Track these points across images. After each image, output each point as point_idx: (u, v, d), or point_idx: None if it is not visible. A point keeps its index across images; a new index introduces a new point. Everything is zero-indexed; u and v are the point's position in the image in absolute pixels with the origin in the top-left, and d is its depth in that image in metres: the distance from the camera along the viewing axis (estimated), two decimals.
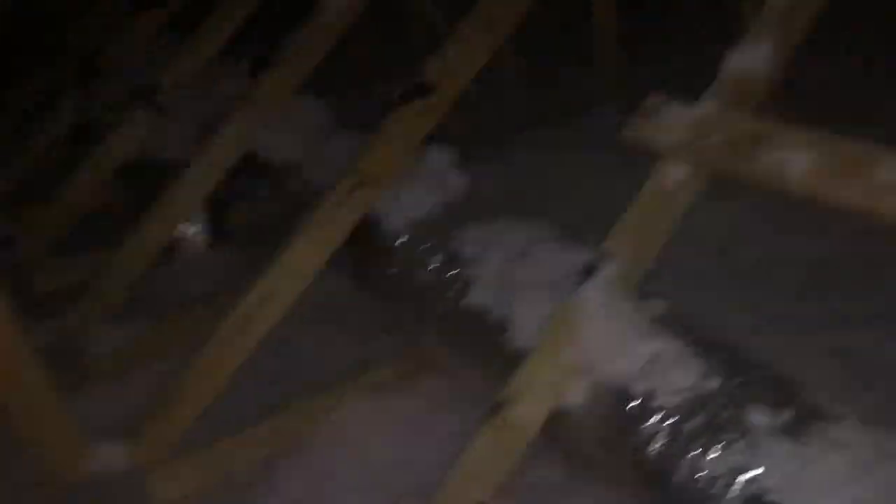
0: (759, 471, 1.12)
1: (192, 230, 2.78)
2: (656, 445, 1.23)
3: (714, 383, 1.25)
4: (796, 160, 1.23)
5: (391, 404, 1.95)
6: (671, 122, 1.39)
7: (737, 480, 1.13)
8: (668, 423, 1.23)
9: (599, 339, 1.34)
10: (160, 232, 2.26)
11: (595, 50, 3.18)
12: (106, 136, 2.77)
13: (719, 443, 1.17)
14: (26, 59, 4.13)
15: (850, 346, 1.89)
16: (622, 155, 2.88)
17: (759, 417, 1.17)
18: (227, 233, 2.87)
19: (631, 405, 1.28)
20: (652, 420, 1.25)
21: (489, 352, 1.59)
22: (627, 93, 3.24)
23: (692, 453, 1.19)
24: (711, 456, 1.17)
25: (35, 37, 4.32)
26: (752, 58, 1.41)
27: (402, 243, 1.84)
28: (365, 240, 1.94)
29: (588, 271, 1.36)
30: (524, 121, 3.47)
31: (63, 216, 2.67)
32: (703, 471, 1.17)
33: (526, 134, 3.30)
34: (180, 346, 2.27)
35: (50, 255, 2.72)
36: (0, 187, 3.18)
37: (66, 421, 1.59)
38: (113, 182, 2.81)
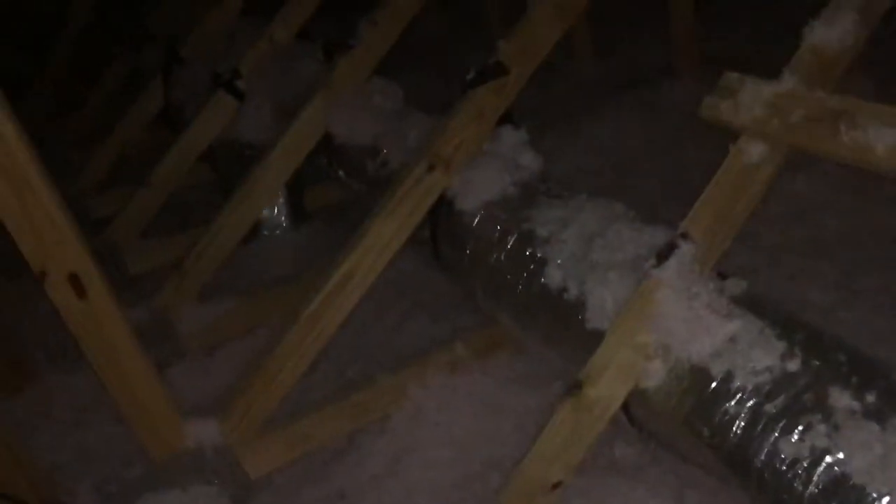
0: (841, 455, 1.11)
1: (272, 211, 2.87)
2: (735, 427, 1.23)
3: (795, 364, 1.23)
4: (882, 135, 1.19)
5: (468, 381, 1.99)
6: (750, 99, 1.36)
7: (818, 464, 1.12)
8: (747, 404, 1.23)
9: (678, 320, 1.34)
10: (246, 214, 2.34)
11: (669, 18, 3.10)
12: (190, 121, 2.89)
13: (800, 425, 1.16)
14: (111, 45, 4.30)
15: None
16: (695, 128, 2.86)
17: (841, 400, 1.16)
18: (305, 213, 2.95)
19: (710, 386, 1.28)
20: (731, 401, 1.25)
21: (564, 331, 1.61)
22: (700, 64, 3.21)
23: (772, 436, 1.18)
24: (792, 439, 1.16)
25: (119, 23, 4.50)
26: (833, 30, 1.37)
27: (477, 223, 1.86)
28: (440, 219, 1.97)
29: (667, 251, 1.36)
30: (593, 91, 3.43)
31: (152, 199, 2.78)
32: (783, 454, 1.16)
33: (596, 105, 3.26)
34: (265, 323, 2.39)
35: (140, 236, 2.85)
36: (91, 170, 3.35)
37: (161, 397, 1.68)
38: (197, 165, 2.92)
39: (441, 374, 2.00)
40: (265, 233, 2.85)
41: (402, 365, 2.07)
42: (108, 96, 4.00)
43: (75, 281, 1.50)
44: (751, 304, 1.38)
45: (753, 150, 1.36)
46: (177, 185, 2.83)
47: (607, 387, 1.37)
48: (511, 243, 1.77)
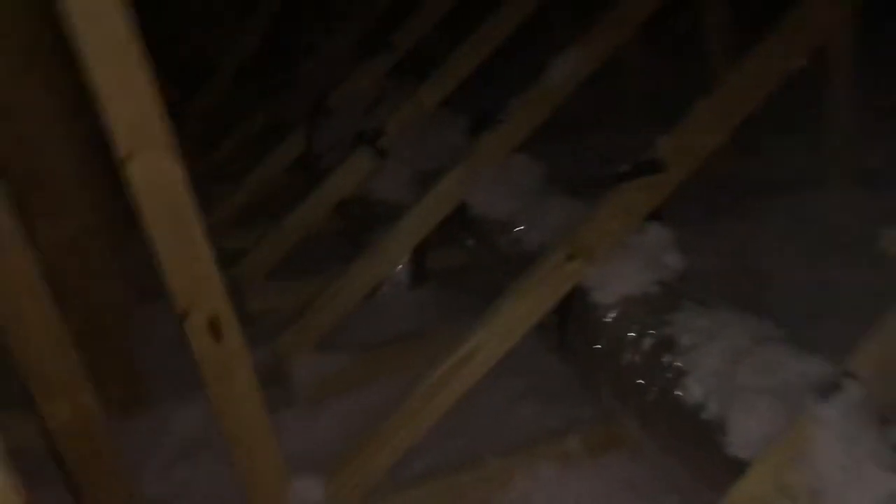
0: None
1: (395, 269, 2.89)
2: None
3: None
4: None
5: (579, 478, 1.90)
6: None
7: None
8: None
9: (835, 465, 1.23)
10: (374, 272, 2.37)
11: (825, 121, 2.97)
12: (328, 172, 2.97)
13: None
14: (260, 92, 4.52)
15: None
16: (840, 245, 2.72)
17: None
18: (427, 275, 2.96)
19: None
20: None
21: (696, 449, 1.52)
22: (853, 176, 3.06)
23: None
24: None
25: (268, 71, 4.73)
26: None
27: (613, 318, 1.80)
28: (572, 308, 1.92)
29: (831, 389, 1.26)
30: (733, 190, 3.32)
31: (282, 242, 2.86)
32: None
33: (734, 205, 3.15)
34: (376, 381, 2.38)
35: (266, 277, 2.93)
36: (228, 205, 3.48)
37: (274, 452, 1.67)
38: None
39: (551, 466, 1.92)
40: (384, 290, 2.87)
41: (508, 449, 2.00)
42: (250, 137, 4.17)
43: (215, 324, 1.53)
44: None
45: None
46: (309, 231, 2.90)
47: None
48: (648, 346, 1.69)
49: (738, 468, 1.37)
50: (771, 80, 1.82)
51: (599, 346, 1.81)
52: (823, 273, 2.57)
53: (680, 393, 1.56)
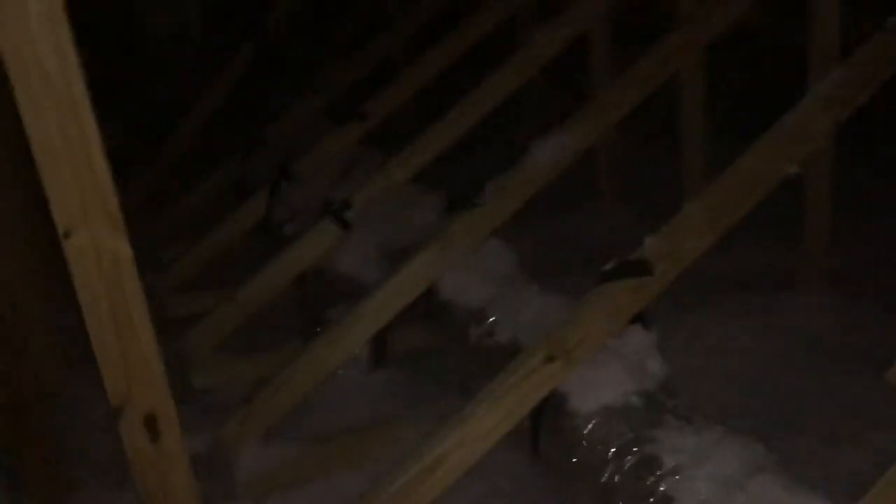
0: None
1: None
2: None
3: None
4: None
5: None
6: None
7: None
8: None
9: None
10: (332, 356, 2.20)
11: (803, 225, 2.93)
12: (289, 241, 2.82)
13: None
14: (227, 148, 4.39)
15: None
16: (810, 351, 2.64)
17: None
18: (387, 356, 2.80)
19: None
20: None
21: None
22: (825, 278, 3.01)
23: None
24: None
25: (237, 127, 4.61)
26: None
27: (591, 429, 1.67)
28: (547, 413, 1.78)
29: None
30: (703, 286, 3.25)
31: (235, 315, 2.69)
32: None
33: (703, 301, 3.08)
34: (331, 474, 2.19)
35: (215, 349, 2.74)
36: (180, 268, 3.30)
37: None
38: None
39: None
40: (341, 372, 2.70)
41: None
42: (211, 195, 4.01)
43: (151, 423, 1.36)
44: None
45: None
46: (265, 303, 2.73)
47: None
48: (629, 464, 1.56)
49: None
50: (763, 185, 1.75)
51: (576, 460, 1.67)
52: (790, 381, 2.48)
53: None
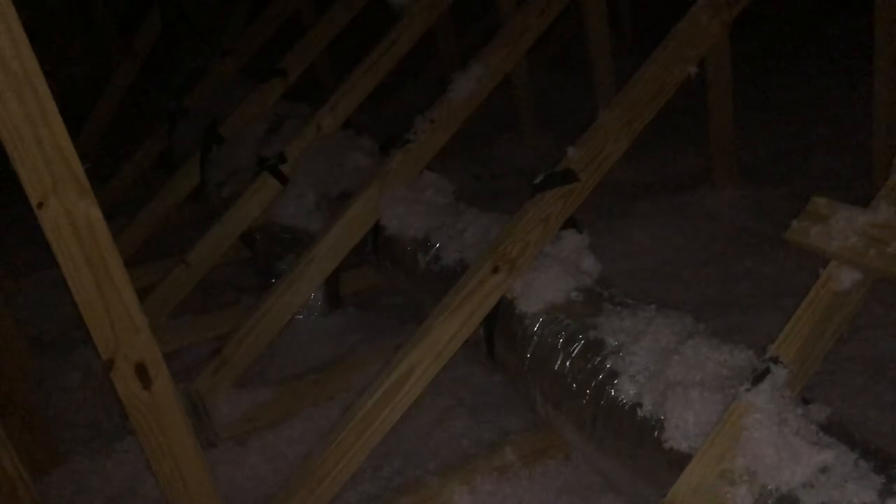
0: None
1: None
2: None
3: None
4: None
5: (517, 489, 1.92)
6: (843, 226, 1.37)
7: None
8: None
9: (767, 445, 1.31)
10: (291, 302, 2.31)
11: (707, 125, 3.16)
12: (229, 201, 2.89)
13: None
14: (144, 120, 4.36)
15: None
16: (733, 238, 2.88)
17: None
18: (339, 298, 2.93)
19: None
20: None
21: (637, 447, 1.57)
22: (737, 172, 3.26)
23: None
24: None
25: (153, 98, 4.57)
26: None
27: (540, 326, 1.84)
28: (498, 320, 1.95)
29: (760, 374, 1.33)
30: (627, 192, 3.47)
31: (189, 278, 2.76)
32: None
33: (630, 206, 3.29)
34: (300, 412, 2.33)
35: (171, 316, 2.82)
36: (123, 243, 3.33)
37: (213, 492, 1.61)
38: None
39: (489, 479, 1.94)
40: (299, 317, 2.82)
41: (443, 466, 2.01)
42: (139, 171, 4.01)
43: (142, 371, 1.46)
44: (837, 431, 1.35)
45: (845, 277, 1.36)
46: (215, 263, 2.81)
47: None
48: (577, 350, 1.74)
49: (678, 461, 1.43)
50: (667, 88, 1.92)
51: (529, 355, 1.85)
52: (718, 267, 2.72)
53: (614, 393, 1.62)
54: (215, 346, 2.37)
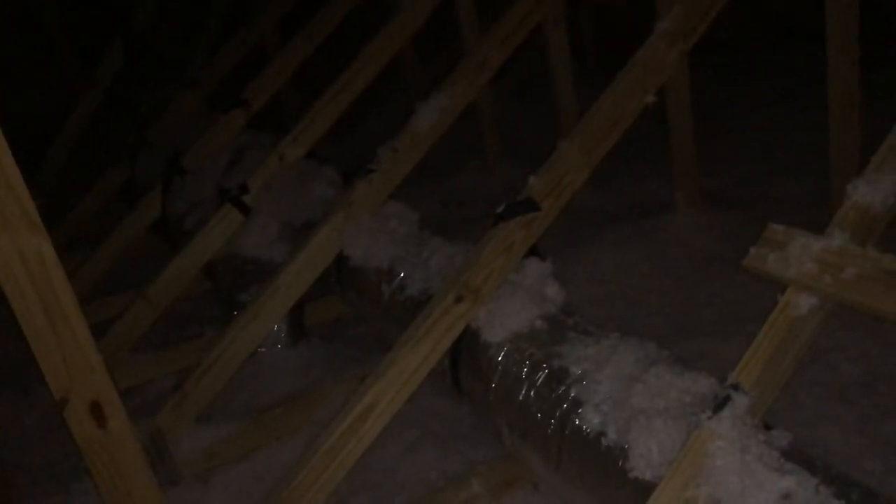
0: None
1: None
2: None
3: None
4: None
5: None
6: (799, 253, 1.39)
7: None
8: None
9: (730, 473, 1.31)
10: (253, 334, 2.28)
11: (669, 152, 3.20)
12: (191, 233, 2.86)
13: None
14: (105, 153, 4.31)
15: None
16: (698, 263, 2.91)
17: None
18: (304, 329, 2.90)
19: None
20: None
21: (603, 477, 1.56)
22: (700, 199, 3.30)
23: None
24: None
25: (115, 131, 4.53)
26: (876, 190, 1.41)
27: (504, 355, 1.84)
28: (463, 350, 1.94)
29: (721, 402, 1.34)
30: (592, 220, 3.49)
31: (148, 312, 2.72)
32: None
33: (595, 233, 3.31)
34: (263, 447, 2.29)
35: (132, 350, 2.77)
36: (83, 277, 3.27)
37: None
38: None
39: None
40: (262, 349, 2.78)
41: (409, 501, 1.99)
42: (101, 202, 3.96)
43: (97, 410, 1.43)
44: (798, 457, 1.35)
45: (803, 303, 1.38)
46: (176, 296, 2.77)
47: None
48: (541, 379, 1.74)
49: (644, 490, 1.43)
50: (626, 117, 1.94)
51: (494, 385, 1.84)
52: (684, 292, 2.74)
53: (578, 422, 1.61)
54: (177, 380, 2.33)
